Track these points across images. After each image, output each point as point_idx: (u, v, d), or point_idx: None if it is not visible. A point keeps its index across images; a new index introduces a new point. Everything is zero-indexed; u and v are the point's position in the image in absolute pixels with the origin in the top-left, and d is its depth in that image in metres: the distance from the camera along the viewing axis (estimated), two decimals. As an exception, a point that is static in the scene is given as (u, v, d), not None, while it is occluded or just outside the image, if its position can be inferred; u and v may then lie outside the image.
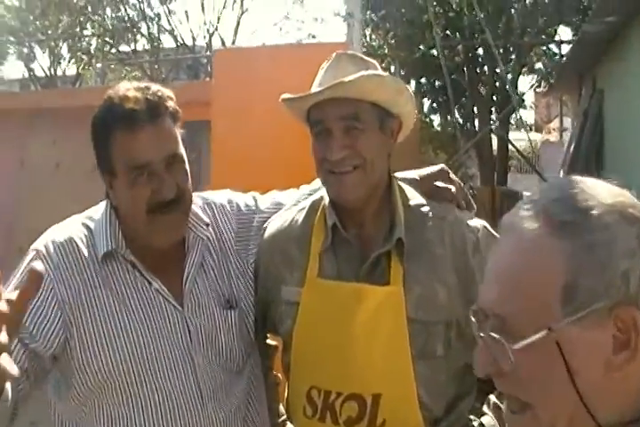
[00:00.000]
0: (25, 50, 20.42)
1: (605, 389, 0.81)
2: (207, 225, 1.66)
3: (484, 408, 1.33)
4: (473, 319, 0.89)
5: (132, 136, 1.43)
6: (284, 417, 1.78)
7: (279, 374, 1.85)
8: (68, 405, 1.55)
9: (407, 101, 1.61)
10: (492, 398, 1.18)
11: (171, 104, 1.50)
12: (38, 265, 0.91)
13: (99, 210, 1.62)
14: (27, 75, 20.99)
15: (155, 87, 1.50)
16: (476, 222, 1.64)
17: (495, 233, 1.62)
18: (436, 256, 1.57)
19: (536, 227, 0.83)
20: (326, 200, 1.65)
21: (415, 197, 1.66)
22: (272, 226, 1.74)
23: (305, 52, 3.89)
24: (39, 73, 20.60)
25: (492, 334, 0.84)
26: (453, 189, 1.71)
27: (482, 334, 0.86)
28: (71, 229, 1.58)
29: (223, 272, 1.67)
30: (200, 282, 1.62)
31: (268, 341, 1.85)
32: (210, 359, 1.58)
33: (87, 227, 1.58)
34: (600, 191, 0.84)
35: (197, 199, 1.68)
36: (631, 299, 0.80)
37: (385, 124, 1.58)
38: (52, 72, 20.52)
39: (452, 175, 1.75)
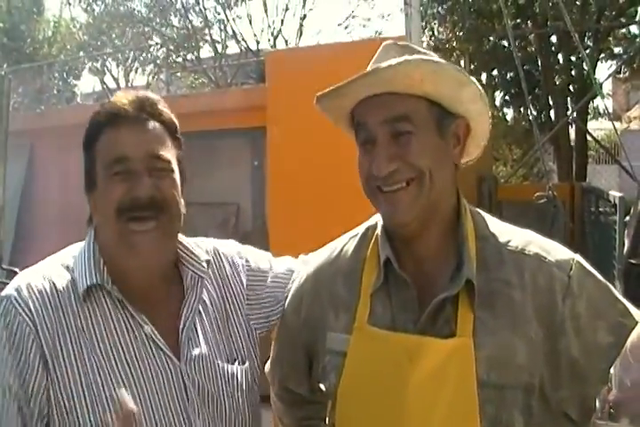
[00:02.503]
0: (96, 64, 20.91)
1: None
2: (207, 262, 1.42)
3: None
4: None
5: (115, 132, 1.34)
6: None
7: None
8: None
9: (475, 97, 1.27)
10: None
11: (162, 110, 1.37)
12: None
13: (76, 247, 1.40)
14: (99, 88, 21.49)
15: (149, 94, 1.39)
16: (568, 256, 1.28)
17: (592, 270, 1.26)
18: (515, 302, 1.23)
19: None
20: (380, 227, 1.34)
21: (492, 224, 1.33)
22: (317, 258, 1.46)
23: (360, 48, 3.59)
24: (112, 85, 21.06)
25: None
26: None
27: None
28: (45, 269, 1.36)
29: (227, 327, 1.42)
30: (199, 331, 1.37)
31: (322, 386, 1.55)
32: (210, 423, 1.32)
33: (64, 265, 1.36)
34: None
35: (203, 243, 1.49)
36: None
37: (444, 125, 1.26)
38: (124, 84, 20.95)
39: None
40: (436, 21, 13.91)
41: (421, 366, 1.21)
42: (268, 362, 1.60)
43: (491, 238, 1.29)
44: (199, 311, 1.39)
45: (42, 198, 6.82)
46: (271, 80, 4.55)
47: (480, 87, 1.28)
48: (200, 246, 1.47)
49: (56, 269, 1.36)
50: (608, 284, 1.29)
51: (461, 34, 13.35)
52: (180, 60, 18.32)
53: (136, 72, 20.83)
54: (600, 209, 6.20)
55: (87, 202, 1.38)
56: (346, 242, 1.44)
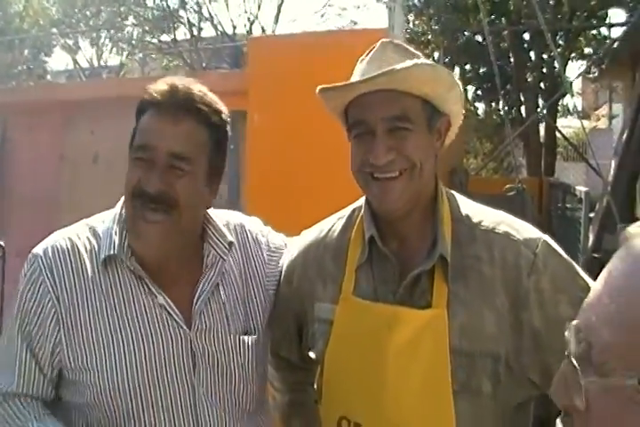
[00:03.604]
0: (69, 41, 20.59)
1: None
2: (230, 244, 1.48)
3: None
4: (568, 337, 0.70)
5: (148, 119, 1.37)
6: None
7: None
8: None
9: (458, 99, 1.41)
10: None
11: (197, 104, 1.36)
12: None
13: (109, 213, 1.47)
14: (72, 66, 21.17)
15: (189, 85, 1.38)
16: (535, 235, 1.40)
17: (558, 248, 1.38)
18: (484, 276, 1.35)
19: None
20: (365, 209, 1.45)
21: (467, 206, 1.45)
22: (308, 236, 1.57)
23: (343, 38, 3.67)
24: (84, 64, 20.77)
25: (573, 360, 0.67)
26: None
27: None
28: (75, 233, 1.43)
29: (246, 301, 1.50)
30: (213, 304, 1.45)
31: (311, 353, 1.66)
32: (215, 394, 1.39)
33: (94, 231, 1.43)
34: None
35: (232, 218, 1.56)
36: None
37: (433, 123, 1.39)
38: (97, 63, 20.67)
39: None
40: (412, 14, 14.01)
41: (399, 333, 1.33)
42: None
43: (465, 219, 1.41)
44: (217, 285, 1.45)
45: (16, 173, 6.78)
46: (253, 66, 4.59)
47: (461, 89, 1.42)
48: (228, 223, 1.53)
49: (84, 233, 1.43)
50: (572, 262, 1.41)
51: (437, 27, 13.48)
52: (155, 41, 18.16)
53: (110, 52, 20.58)
54: (567, 205, 6.38)
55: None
56: (334, 222, 1.55)
